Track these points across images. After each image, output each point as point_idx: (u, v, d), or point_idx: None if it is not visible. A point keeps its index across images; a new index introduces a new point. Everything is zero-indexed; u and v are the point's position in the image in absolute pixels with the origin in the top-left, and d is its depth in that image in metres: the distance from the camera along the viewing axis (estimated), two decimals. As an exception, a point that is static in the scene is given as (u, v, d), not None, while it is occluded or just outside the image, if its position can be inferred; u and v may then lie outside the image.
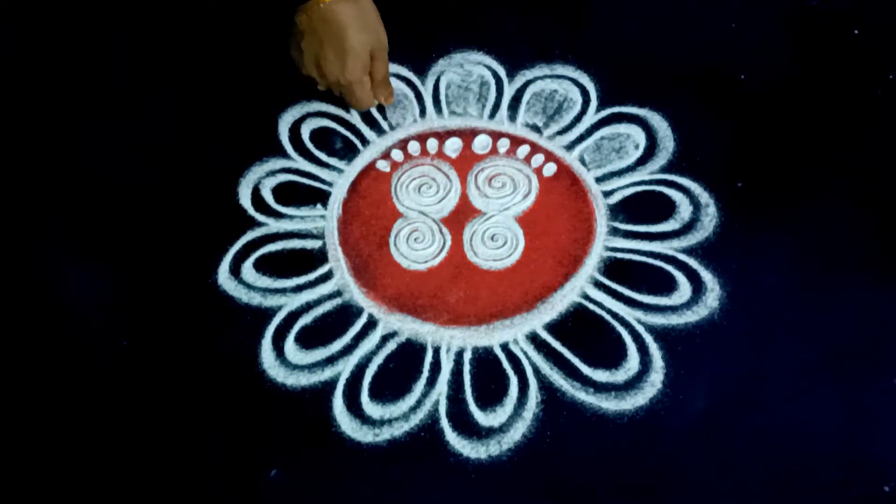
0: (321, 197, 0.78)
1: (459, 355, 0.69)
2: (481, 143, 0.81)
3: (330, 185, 0.79)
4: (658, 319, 0.70)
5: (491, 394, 0.67)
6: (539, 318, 0.70)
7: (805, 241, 0.73)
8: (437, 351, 0.69)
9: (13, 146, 0.82)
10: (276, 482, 0.63)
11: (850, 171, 0.78)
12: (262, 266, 0.74)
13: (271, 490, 0.63)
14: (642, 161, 0.79)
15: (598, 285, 0.72)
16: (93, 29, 0.89)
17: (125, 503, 0.64)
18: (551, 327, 0.70)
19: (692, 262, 0.73)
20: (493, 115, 0.83)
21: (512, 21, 0.89)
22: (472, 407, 0.66)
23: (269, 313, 0.71)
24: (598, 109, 0.82)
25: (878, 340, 0.68)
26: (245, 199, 0.78)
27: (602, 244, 0.74)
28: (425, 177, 0.79)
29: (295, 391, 0.67)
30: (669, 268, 0.72)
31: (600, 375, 0.67)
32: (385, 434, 0.65)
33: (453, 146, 0.81)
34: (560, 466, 0.63)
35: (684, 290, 0.71)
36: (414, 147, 0.81)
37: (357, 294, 0.72)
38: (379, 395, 0.67)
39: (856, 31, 0.87)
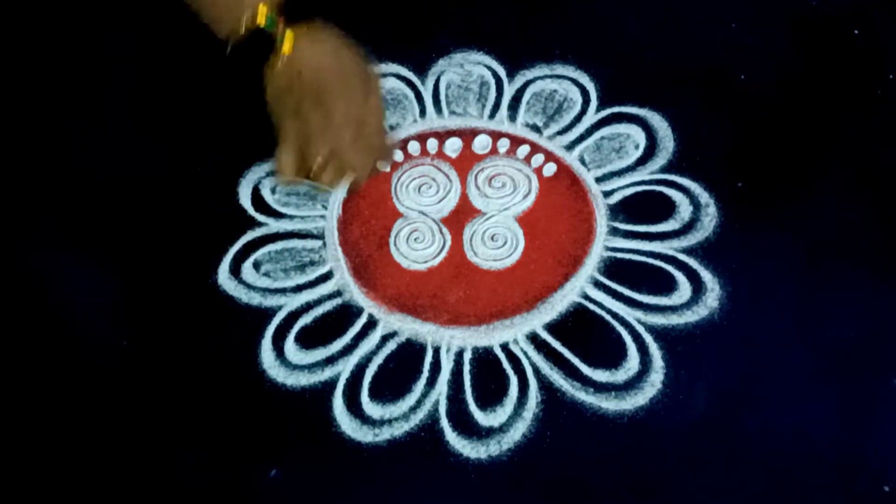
0: (321, 197, 0.78)
1: (459, 355, 0.69)
2: (481, 143, 0.81)
3: (330, 185, 0.79)
4: (658, 319, 0.70)
5: (491, 394, 0.67)
6: (539, 318, 0.70)
7: (805, 241, 0.73)
8: (437, 351, 0.69)
9: (12, 146, 0.82)
10: (276, 482, 0.63)
11: (850, 171, 0.78)
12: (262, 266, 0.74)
13: (271, 490, 0.63)
14: (642, 161, 0.79)
15: (598, 285, 0.72)
16: (92, 28, 0.89)
17: (124, 503, 0.64)
18: (551, 327, 0.70)
19: (692, 262, 0.72)
20: (493, 115, 0.82)
21: (512, 21, 0.89)
22: (472, 407, 0.66)
23: (269, 313, 0.71)
24: (598, 109, 0.82)
25: (878, 340, 0.68)
26: (245, 199, 0.78)
27: (602, 244, 0.74)
28: (425, 177, 0.79)
29: (295, 391, 0.67)
30: (669, 268, 0.72)
31: (600, 375, 0.67)
32: (385, 434, 0.65)
33: (453, 146, 0.81)
34: (560, 466, 0.63)
35: (684, 290, 0.71)
36: (414, 147, 0.81)
37: (357, 294, 0.72)
38: (379, 395, 0.67)
39: (856, 31, 0.87)
